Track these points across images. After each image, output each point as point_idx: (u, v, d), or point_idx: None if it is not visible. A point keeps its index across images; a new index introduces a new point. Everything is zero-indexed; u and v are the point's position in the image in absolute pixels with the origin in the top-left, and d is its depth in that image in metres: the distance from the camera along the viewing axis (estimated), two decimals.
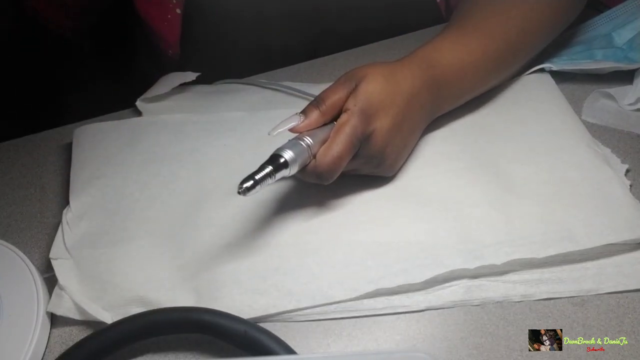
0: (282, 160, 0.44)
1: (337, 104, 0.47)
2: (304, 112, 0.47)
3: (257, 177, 0.43)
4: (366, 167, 0.50)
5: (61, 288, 0.46)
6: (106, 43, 0.67)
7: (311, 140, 0.46)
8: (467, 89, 0.56)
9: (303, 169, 0.46)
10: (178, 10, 0.65)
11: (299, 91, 0.62)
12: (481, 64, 0.54)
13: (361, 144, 0.47)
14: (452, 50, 0.53)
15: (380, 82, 0.48)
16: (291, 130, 0.47)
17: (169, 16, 0.65)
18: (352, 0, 0.66)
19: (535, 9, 0.56)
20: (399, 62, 0.51)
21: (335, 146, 0.46)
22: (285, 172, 0.44)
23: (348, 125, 0.46)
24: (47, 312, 0.45)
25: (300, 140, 0.46)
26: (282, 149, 0.45)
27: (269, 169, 0.43)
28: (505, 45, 0.55)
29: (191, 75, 0.63)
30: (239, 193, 0.42)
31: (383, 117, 0.48)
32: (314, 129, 0.47)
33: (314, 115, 0.47)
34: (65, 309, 0.45)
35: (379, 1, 0.68)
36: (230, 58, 0.71)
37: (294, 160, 0.45)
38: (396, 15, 0.70)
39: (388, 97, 0.48)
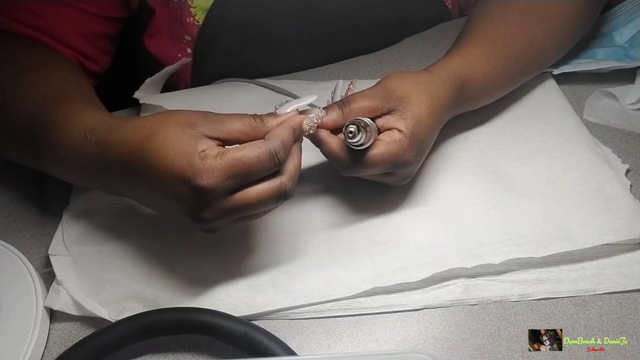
0: (362, 123, 0.43)
1: (362, 112, 0.45)
2: (327, 108, 0.46)
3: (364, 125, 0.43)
4: (385, 179, 0.49)
5: (59, 283, 0.46)
6: (114, 78, 0.66)
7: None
8: (483, 102, 0.56)
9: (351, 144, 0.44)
10: (189, 50, 0.64)
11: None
12: (502, 84, 0.56)
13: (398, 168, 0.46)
14: (483, 73, 0.53)
15: (427, 105, 0.46)
16: None
17: (180, 55, 0.64)
18: (356, 1, 0.65)
19: (558, 30, 0.57)
20: (437, 76, 0.49)
21: (378, 153, 0.44)
22: (365, 138, 0.43)
23: (398, 146, 0.45)
24: (46, 309, 0.45)
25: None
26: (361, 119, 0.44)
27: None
28: (525, 66, 0.57)
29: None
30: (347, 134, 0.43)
31: (424, 140, 0.47)
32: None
33: (335, 114, 0.45)
34: (62, 304, 0.45)
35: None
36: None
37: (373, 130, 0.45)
38: (402, 14, 0.69)
39: (432, 120, 0.47)
